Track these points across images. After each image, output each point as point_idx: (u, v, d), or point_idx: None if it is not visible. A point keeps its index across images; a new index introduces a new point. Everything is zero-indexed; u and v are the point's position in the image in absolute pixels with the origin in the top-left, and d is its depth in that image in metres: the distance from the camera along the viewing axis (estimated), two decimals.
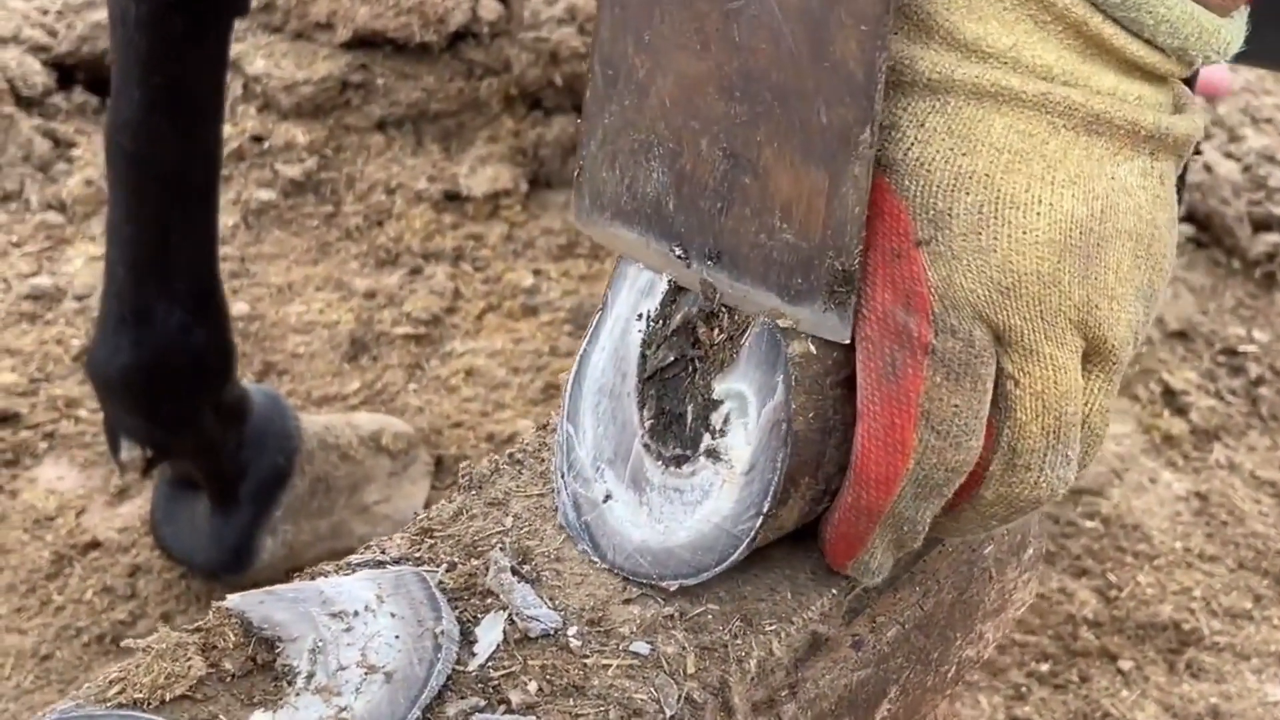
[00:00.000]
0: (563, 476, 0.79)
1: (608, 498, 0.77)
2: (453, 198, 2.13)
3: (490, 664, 0.71)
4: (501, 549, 0.77)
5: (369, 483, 1.68)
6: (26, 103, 2.20)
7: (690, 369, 0.77)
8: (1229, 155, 2.17)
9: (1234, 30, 0.73)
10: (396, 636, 0.70)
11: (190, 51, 1.42)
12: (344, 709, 0.67)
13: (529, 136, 2.19)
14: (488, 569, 0.76)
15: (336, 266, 2.04)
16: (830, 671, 0.76)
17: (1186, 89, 0.77)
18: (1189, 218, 2.11)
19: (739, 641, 0.73)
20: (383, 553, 0.78)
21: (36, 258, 2.04)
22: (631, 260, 0.79)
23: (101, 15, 2.27)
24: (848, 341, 0.71)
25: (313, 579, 0.75)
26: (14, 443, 1.75)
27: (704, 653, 0.72)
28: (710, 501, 0.74)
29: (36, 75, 2.21)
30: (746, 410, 0.73)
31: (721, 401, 0.74)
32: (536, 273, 2.04)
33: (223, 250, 1.69)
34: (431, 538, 0.79)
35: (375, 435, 1.69)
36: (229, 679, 0.68)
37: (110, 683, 0.68)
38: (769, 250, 0.73)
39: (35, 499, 1.69)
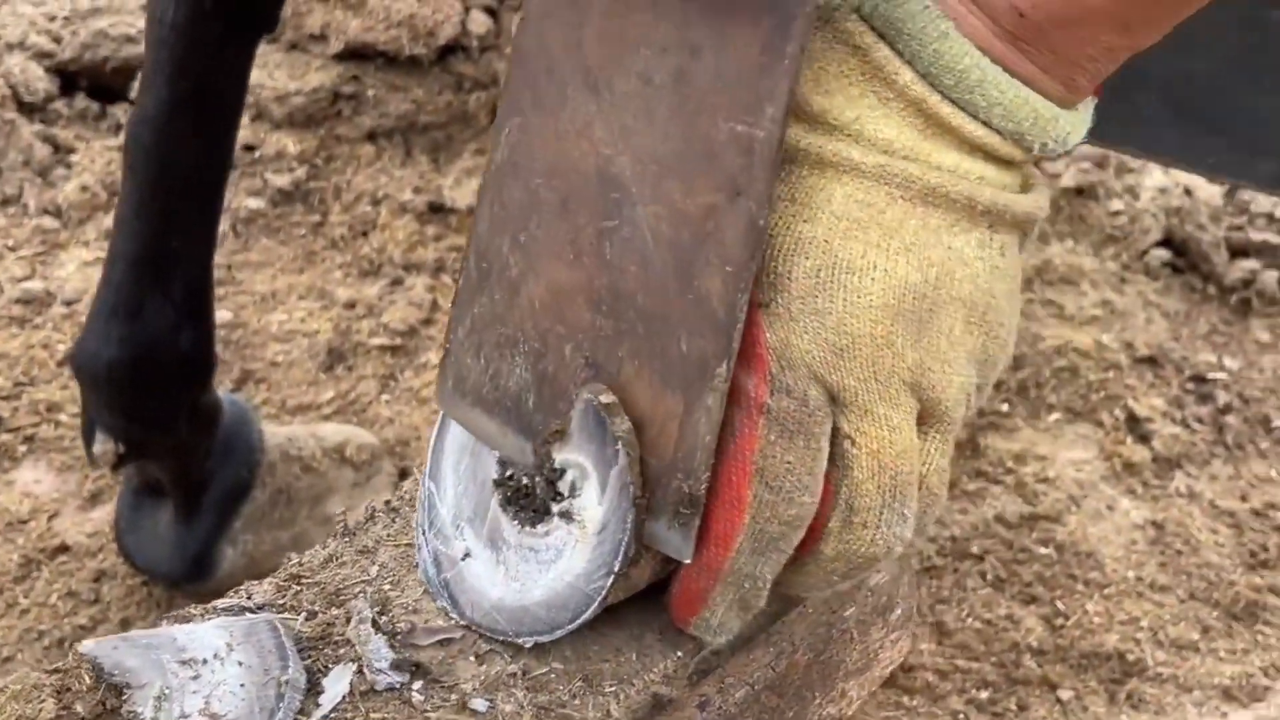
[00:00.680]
0: (424, 534, 0.82)
1: (466, 555, 0.80)
2: (437, 209, 2.16)
3: (333, 715, 0.74)
4: (363, 598, 0.81)
5: (331, 494, 1.72)
6: (28, 108, 2.25)
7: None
8: (1213, 180, 2.17)
9: (1075, 121, 0.75)
10: (241, 685, 0.73)
11: (219, 59, 1.47)
12: None
13: None
14: (349, 619, 0.79)
15: (320, 276, 2.08)
16: None
17: (1036, 170, 0.79)
18: (1166, 242, 2.12)
19: (577, 702, 0.76)
20: (249, 598, 0.81)
21: (30, 261, 2.09)
22: None
23: (106, 23, 2.32)
24: (689, 561, 0.74)
25: (176, 623, 0.78)
26: None
27: (541, 712, 0.75)
28: (564, 560, 0.77)
29: (39, 81, 2.26)
30: (588, 477, 0.76)
31: (565, 471, 0.76)
32: None
33: None
34: (299, 584, 0.82)
35: (339, 447, 1.73)
36: None
37: None
38: None
39: (10, 502, 1.74)
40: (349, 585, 0.82)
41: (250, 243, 2.13)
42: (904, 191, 0.72)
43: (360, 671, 0.76)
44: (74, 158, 2.22)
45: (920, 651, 1.61)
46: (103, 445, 1.57)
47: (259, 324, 2.00)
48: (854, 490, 0.74)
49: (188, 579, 1.63)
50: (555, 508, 0.77)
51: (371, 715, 0.74)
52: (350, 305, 2.03)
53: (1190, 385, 1.97)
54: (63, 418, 1.84)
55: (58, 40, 2.32)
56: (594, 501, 0.76)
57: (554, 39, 0.75)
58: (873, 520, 0.74)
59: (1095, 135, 0.80)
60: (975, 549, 1.73)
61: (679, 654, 0.80)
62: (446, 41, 2.23)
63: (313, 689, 0.75)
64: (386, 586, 0.82)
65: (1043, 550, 1.74)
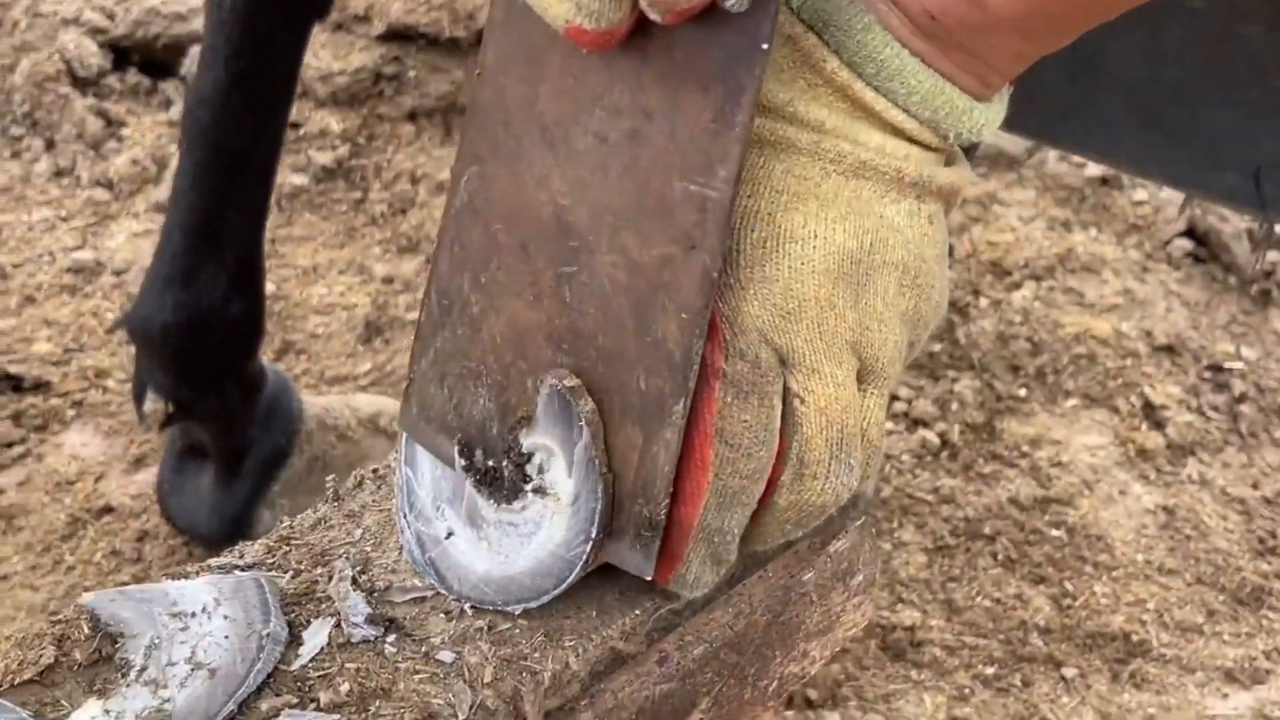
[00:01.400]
0: (405, 517, 0.87)
1: (450, 534, 0.85)
2: None
3: (311, 665, 0.80)
4: (346, 559, 0.86)
5: (365, 462, 1.77)
6: (82, 83, 2.33)
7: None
8: None
9: (988, 114, 0.80)
10: (226, 637, 0.79)
11: (275, 43, 1.54)
12: (167, 700, 0.76)
13: None
14: (331, 577, 0.85)
15: (360, 251, 2.14)
16: (631, 685, 0.83)
17: (959, 151, 0.83)
18: (1188, 233, 2.14)
19: (537, 654, 0.81)
20: (241, 556, 0.87)
21: (82, 232, 2.16)
22: None
23: (158, 0, 2.39)
24: (650, 579, 0.80)
25: (172, 580, 0.84)
26: (44, 409, 1.87)
27: (503, 664, 0.80)
28: (543, 532, 0.82)
29: (93, 57, 2.33)
30: (554, 454, 0.80)
31: (532, 454, 0.81)
32: None
33: None
34: (288, 545, 0.88)
35: (373, 417, 1.79)
36: (77, 668, 0.78)
37: None
38: None
39: (59, 464, 1.81)
40: (334, 546, 0.87)
41: (294, 217, 2.19)
42: (837, 166, 0.78)
43: (338, 625, 0.82)
44: (125, 131, 2.29)
45: (929, 627, 1.65)
46: (153, 405, 1.64)
47: (300, 296, 2.07)
48: (804, 445, 0.79)
49: (226, 540, 1.68)
50: (527, 486, 0.82)
51: (347, 665, 0.79)
52: (388, 280, 2.09)
53: (1207, 374, 1.99)
54: (110, 384, 1.91)
55: (111, 17, 2.39)
56: (564, 475, 0.81)
57: (511, 94, 0.78)
58: (822, 471, 0.80)
59: (1058, 138, 0.84)
60: (988, 530, 1.77)
61: (637, 612, 0.85)
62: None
63: (294, 642, 0.81)
64: (368, 548, 0.87)
65: (1054, 532, 1.77)
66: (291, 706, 0.77)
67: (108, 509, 1.76)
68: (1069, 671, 1.63)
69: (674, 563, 0.82)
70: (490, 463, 0.82)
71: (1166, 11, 0.90)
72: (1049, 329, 2.03)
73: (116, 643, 0.78)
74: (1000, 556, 1.74)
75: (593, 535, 0.80)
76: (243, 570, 0.85)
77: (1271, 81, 0.98)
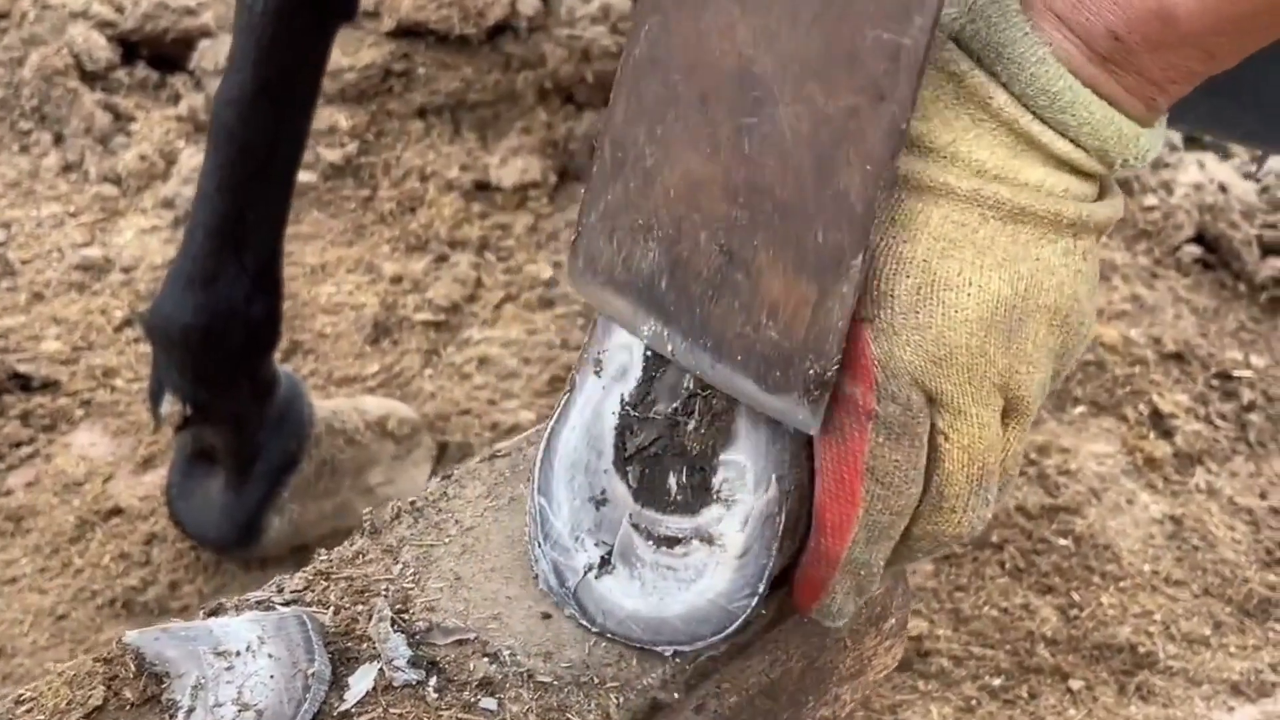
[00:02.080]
0: (539, 546, 0.87)
1: (590, 568, 0.85)
2: (483, 187, 2.22)
3: (355, 709, 0.80)
4: (385, 596, 0.86)
5: (373, 466, 1.78)
6: (90, 77, 2.32)
7: (672, 447, 0.84)
8: (1247, 175, 2.20)
9: (1152, 139, 0.81)
10: (271, 676, 0.79)
11: (304, 46, 1.55)
12: None
13: (560, 129, 2.27)
14: (370, 615, 0.85)
15: (368, 250, 2.14)
16: None
17: (1111, 178, 0.84)
18: (1198, 239, 2.14)
19: (578, 704, 0.81)
20: (279, 591, 0.87)
21: (90, 228, 2.16)
22: (599, 348, 0.86)
23: None
24: (814, 433, 0.80)
25: (213, 615, 0.84)
26: (52, 409, 1.87)
27: (545, 712, 0.81)
28: (705, 580, 0.82)
29: (101, 50, 2.33)
30: (744, 477, 0.81)
31: (714, 471, 0.82)
32: (557, 265, 2.12)
33: None
34: (326, 580, 0.88)
35: (381, 420, 1.79)
36: (127, 707, 0.78)
37: (18, 701, 0.78)
38: (753, 342, 0.79)
39: (67, 464, 1.81)
40: (373, 583, 0.87)
41: (302, 215, 2.19)
42: (995, 212, 0.78)
43: (381, 670, 0.82)
44: (134, 126, 2.29)
45: (936, 637, 1.66)
46: (170, 406, 1.64)
47: (309, 295, 2.06)
48: (945, 479, 0.81)
49: (236, 545, 1.70)
50: (704, 508, 0.82)
51: (390, 710, 0.80)
52: (396, 280, 2.09)
53: (1215, 382, 2.00)
54: (119, 383, 1.91)
55: (120, 10, 2.38)
56: (735, 528, 0.82)
57: None
58: (960, 505, 0.81)
59: None
60: (995, 538, 1.77)
61: (677, 660, 0.85)
62: (496, 22, 2.27)
63: (337, 681, 0.81)
64: (407, 584, 0.87)
65: (1061, 541, 1.78)
66: None
67: (116, 511, 1.77)
68: (1076, 684, 1.64)
69: (819, 593, 0.83)
70: (652, 450, 0.83)
71: None
72: None
73: (162, 682, 0.79)
74: (1008, 565, 1.75)
75: (759, 590, 0.81)
76: (282, 606, 0.85)
77: None
